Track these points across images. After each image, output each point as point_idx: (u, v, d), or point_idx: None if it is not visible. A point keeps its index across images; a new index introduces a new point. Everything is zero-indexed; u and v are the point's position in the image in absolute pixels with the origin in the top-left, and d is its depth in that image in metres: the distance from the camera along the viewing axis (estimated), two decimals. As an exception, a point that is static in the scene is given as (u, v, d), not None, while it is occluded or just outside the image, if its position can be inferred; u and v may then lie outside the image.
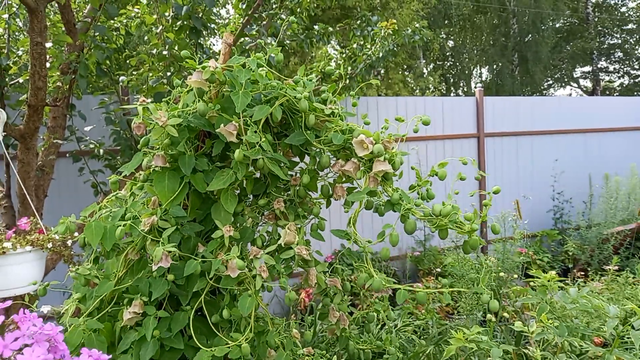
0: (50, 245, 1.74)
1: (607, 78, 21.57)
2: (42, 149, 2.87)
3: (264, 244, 1.18)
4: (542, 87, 18.89)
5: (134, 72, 3.09)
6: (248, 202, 1.26)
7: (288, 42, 4.01)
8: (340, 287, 1.18)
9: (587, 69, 20.89)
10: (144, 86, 2.99)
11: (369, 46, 3.79)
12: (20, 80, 2.77)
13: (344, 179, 1.16)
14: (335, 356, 1.36)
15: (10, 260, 1.40)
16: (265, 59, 1.21)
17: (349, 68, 3.79)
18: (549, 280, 2.18)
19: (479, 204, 5.61)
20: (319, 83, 3.58)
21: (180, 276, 1.13)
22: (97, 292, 1.14)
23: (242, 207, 1.21)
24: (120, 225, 1.07)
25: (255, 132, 1.11)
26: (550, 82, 20.76)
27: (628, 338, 1.63)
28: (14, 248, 1.40)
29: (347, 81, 3.77)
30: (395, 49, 3.86)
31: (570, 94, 21.86)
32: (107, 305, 1.17)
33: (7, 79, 2.84)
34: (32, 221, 1.91)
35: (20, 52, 2.88)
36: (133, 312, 1.10)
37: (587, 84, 21.74)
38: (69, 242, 1.85)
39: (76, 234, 1.91)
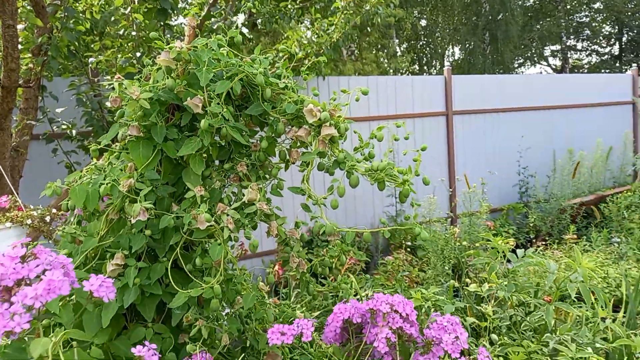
0: (29, 221, 1.85)
1: (575, 56, 22.20)
2: (16, 130, 2.92)
3: (230, 202, 1.35)
4: (512, 66, 19.32)
5: (100, 55, 3.14)
6: (215, 167, 1.43)
7: (260, 20, 4.09)
8: (298, 237, 1.37)
9: (556, 47, 21.45)
10: (114, 68, 3.05)
11: (332, 22, 3.91)
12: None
13: (298, 144, 1.34)
14: (299, 304, 1.56)
15: (-8, 237, 1.51)
16: (226, 40, 1.37)
17: (315, 47, 3.91)
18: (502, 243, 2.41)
19: (447, 179, 5.88)
20: (282, 62, 3.69)
21: (156, 232, 1.29)
22: (82, 248, 1.29)
23: (210, 172, 1.38)
24: (104, 184, 1.23)
25: (218, 104, 1.26)
26: (521, 60, 21.24)
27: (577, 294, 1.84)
28: (-5, 225, 1.50)
29: (315, 57, 3.90)
30: (356, 25, 3.97)
31: (540, 72, 22.43)
32: (91, 260, 1.32)
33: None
34: (11, 199, 2.00)
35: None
36: (115, 264, 1.26)
37: (557, 62, 22.36)
38: (47, 219, 1.95)
39: (54, 210, 2.01)
